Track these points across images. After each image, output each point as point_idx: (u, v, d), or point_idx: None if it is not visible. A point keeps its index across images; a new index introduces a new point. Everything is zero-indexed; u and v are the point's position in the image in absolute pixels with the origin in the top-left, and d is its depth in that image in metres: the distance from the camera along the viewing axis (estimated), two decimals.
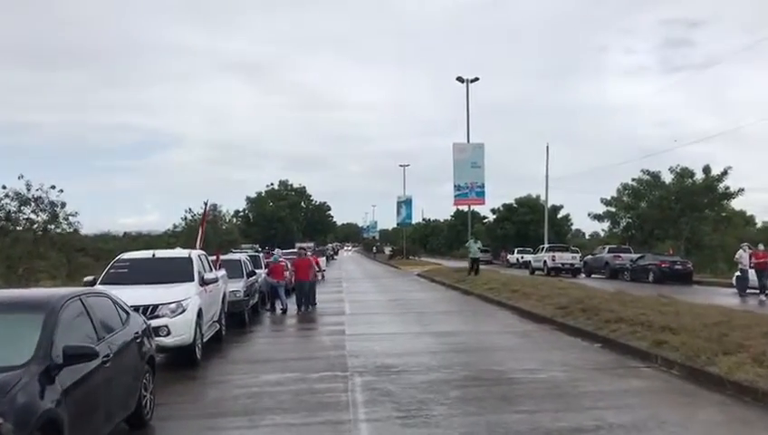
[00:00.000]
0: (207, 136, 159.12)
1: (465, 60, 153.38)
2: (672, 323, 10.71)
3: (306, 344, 13.07)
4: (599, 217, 44.70)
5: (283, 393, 8.12)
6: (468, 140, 33.29)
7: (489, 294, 19.94)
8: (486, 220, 76.34)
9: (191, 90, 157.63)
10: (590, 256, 37.72)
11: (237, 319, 15.01)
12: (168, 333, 9.79)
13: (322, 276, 19.27)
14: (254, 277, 17.30)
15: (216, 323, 12.61)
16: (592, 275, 34.98)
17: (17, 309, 5.25)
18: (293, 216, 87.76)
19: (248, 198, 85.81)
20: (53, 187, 23.63)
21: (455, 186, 32.90)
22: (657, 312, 12.12)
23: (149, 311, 9.84)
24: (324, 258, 43.19)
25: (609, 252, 35.69)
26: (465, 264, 50.20)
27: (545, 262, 37.44)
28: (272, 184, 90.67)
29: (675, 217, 39.45)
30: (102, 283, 11.03)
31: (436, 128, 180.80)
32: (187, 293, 10.49)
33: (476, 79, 33.52)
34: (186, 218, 57.61)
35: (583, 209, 66.59)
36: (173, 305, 10.05)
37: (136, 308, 9.84)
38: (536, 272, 36.82)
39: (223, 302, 13.37)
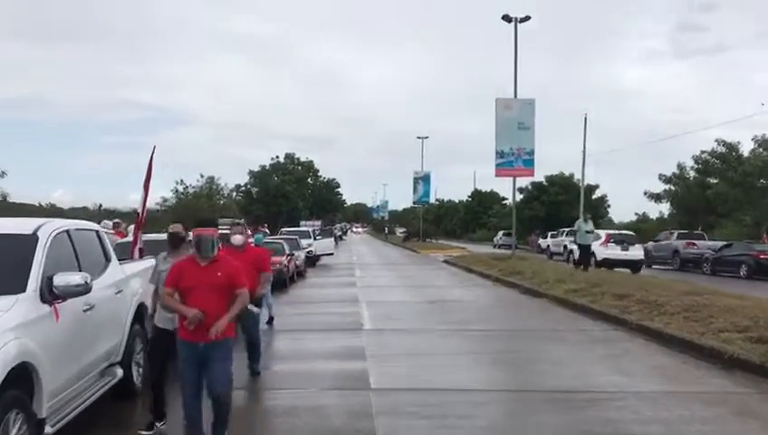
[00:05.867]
0: (215, 114, 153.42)
1: (474, 40, 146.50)
2: None
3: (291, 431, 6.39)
4: (656, 197, 38.07)
5: None
6: (516, 95, 26.54)
7: (578, 300, 13.14)
8: (506, 200, 69.39)
9: (200, 67, 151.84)
10: (651, 243, 31.41)
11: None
12: None
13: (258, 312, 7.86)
14: None
15: (113, 369, 6.29)
16: (653, 266, 28.66)
17: None
18: (300, 192, 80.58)
19: (251, 172, 78.19)
20: None
21: (497, 152, 26.15)
22: None
23: None
24: (332, 239, 36.50)
25: (678, 238, 29.59)
26: (488, 249, 44.67)
27: (565, 247, 31.73)
28: (277, 157, 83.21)
29: (756, 197, 32.74)
30: None
31: (443, 110, 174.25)
32: None
33: (527, 18, 26.57)
34: (177, 191, 51.59)
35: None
36: None
37: None
38: (554, 257, 32.04)
39: (138, 323, 6.99)
